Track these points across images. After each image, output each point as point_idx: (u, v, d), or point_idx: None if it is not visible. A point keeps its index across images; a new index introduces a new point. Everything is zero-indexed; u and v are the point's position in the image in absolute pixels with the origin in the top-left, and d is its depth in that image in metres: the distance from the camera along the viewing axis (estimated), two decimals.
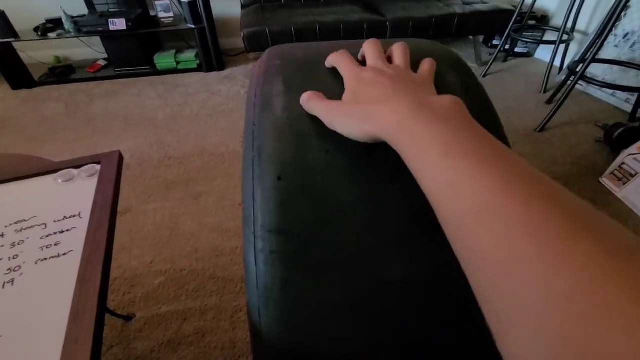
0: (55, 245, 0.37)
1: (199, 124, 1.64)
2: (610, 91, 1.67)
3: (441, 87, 0.31)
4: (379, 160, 0.25)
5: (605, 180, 1.22)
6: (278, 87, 0.29)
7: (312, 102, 0.25)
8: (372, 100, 0.23)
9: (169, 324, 0.84)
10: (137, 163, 1.39)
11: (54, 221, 0.40)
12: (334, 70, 0.29)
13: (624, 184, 1.16)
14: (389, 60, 0.28)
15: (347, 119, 0.23)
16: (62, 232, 0.39)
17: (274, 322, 0.24)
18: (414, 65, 0.29)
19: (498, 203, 0.15)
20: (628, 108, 1.58)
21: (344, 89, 0.26)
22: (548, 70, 1.85)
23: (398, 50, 0.28)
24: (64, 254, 0.36)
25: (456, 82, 0.32)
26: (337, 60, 0.28)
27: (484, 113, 0.31)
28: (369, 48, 0.28)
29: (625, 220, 1.09)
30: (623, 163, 1.18)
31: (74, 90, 1.98)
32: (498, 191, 0.16)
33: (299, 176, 0.25)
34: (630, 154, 1.17)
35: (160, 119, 1.69)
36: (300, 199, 0.24)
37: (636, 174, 1.13)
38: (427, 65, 0.27)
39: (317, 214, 0.24)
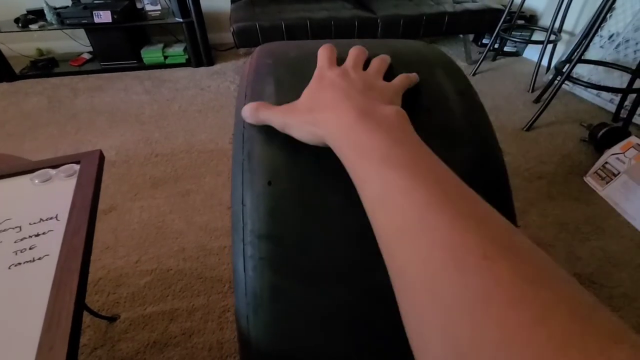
0: (30, 249, 0.36)
1: (188, 120, 1.61)
2: (595, 91, 1.70)
3: (436, 92, 0.31)
4: None
5: (589, 179, 1.25)
6: (269, 88, 0.28)
7: (262, 113, 0.25)
8: (322, 105, 0.23)
9: (155, 325, 0.83)
10: (122, 160, 1.36)
11: (29, 224, 0.38)
12: None
13: (607, 182, 1.19)
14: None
15: (298, 124, 0.23)
16: (37, 235, 0.37)
17: (262, 330, 0.24)
18: (405, 70, 0.29)
19: (426, 218, 0.15)
20: (612, 108, 1.62)
21: None
22: (536, 70, 1.87)
23: (377, 59, 0.28)
24: (39, 259, 0.35)
25: (450, 87, 0.32)
26: (319, 54, 0.28)
27: (478, 118, 0.31)
28: (351, 53, 0.28)
29: (607, 219, 1.12)
30: (606, 162, 1.21)
31: (57, 85, 1.92)
32: (426, 206, 0.16)
33: (289, 181, 0.24)
34: (613, 154, 1.20)
35: (147, 115, 1.65)
36: (290, 204, 0.24)
37: (618, 173, 1.16)
38: (403, 77, 0.27)
39: (307, 221, 0.24)
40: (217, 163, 1.34)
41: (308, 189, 0.24)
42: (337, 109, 0.22)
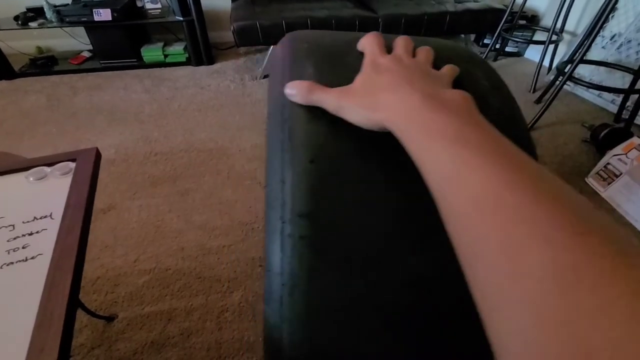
0: (23, 248, 0.35)
1: (187, 119, 1.60)
2: (597, 92, 1.69)
3: (473, 86, 0.30)
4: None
5: (591, 180, 1.24)
6: (309, 69, 0.27)
7: (315, 94, 0.25)
8: (382, 88, 0.23)
9: (153, 325, 0.82)
10: (122, 159, 1.36)
11: (23, 222, 0.38)
12: (362, 57, 0.28)
13: (609, 183, 1.18)
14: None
15: (356, 107, 0.23)
16: (31, 234, 0.37)
17: (298, 314, 0.23)
18: (442, 64, 0.28)
19: (505, 195, 0.16)
20: (614, 109, 1.61)
21: None
22: (537, 70, 1.86)
23: (423, 49, 0.28)
24: (32, 258, 0.34)
25: (487, 83, 0.32)
26: (365, 41, 0.28)
27: (513, 113, 0.31)
28: (399, 42, 0.28)
29: None
30: (608, 163, 1.20)
31: (56, 83, 1.92)
32: (505, 184, 0.16)
33: (333, 161, 0.24)
34: (615, 155, 1.19)
35: (146, 114, 1.65)
36: (333, 184, 0.23)
37: (620, 174, 1.15)
38: (450, 67, 0.27)
39: (349, 201, 0.23)
40: (216, 162, 1.34)
41: (351, 170, 0.24)
42: (400, 92, 0.22)
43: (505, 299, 0.14)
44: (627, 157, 1.16)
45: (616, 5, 1.32)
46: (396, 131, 0.21)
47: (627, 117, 1.44)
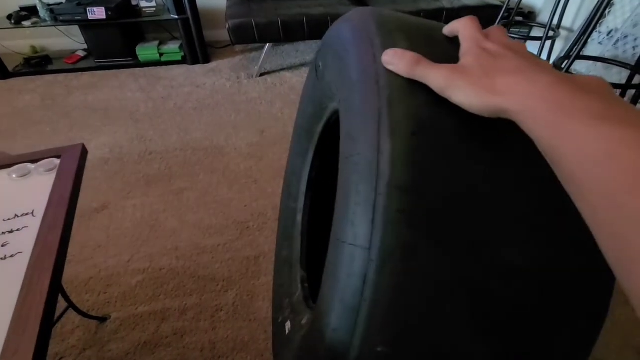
0: (3, 246, 0.34)
1: (183, 118, 1.59)
2: None
3: None
4: (513, 136, 0.24)
5: None
6: (402, 43, 0.26)
7: (422, 68, 0.23)
8: (504, 71, 0.21)
9: (146, 325, 0.82)
10: (116, 158, 1.34)
11: (4, 220, 0.37)
12: (453, 39, 0.27)
13: None
14: None
15: (470, 87, 0.21)
16: (11, 231, 0.36)
17: (386, 292, 0.22)
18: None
19: None
20: None
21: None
22: None
23: (504, 34, 0.26)
24: (12, 256, 0.33)
25: None
26: (461, 25, 0.26)
27: None
28: (497, 31, 0.26)
29: None
30: None
31: (50, 82, 1.90)
32: None
33: (436, 136, 0.23)
34: None
35: (141, 113, 1.63)
36: (436, 158, 0.22)
37: None
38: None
39: (452, 179, 0.22)
40: (212, 161, 1.33)
41: (454, 147, 0.23)
42: (528, 74, 0.20)
43: None
44: None
45: (612, 1, 1.32)
46: (520, 115, 0.19)
47: None
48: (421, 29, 0.28)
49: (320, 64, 0.43)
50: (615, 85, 1.43)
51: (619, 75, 1.56)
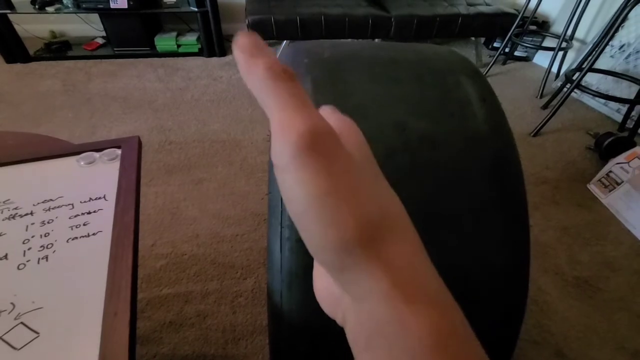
0: (84, 225, 0.39)
1: (200, 109, 1.63)
2: (603, 100, 1.72)
3: (460, 98, 0.34)
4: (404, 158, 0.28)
5: (593, 187, 1.28)
6: (306, 86, 0.31)
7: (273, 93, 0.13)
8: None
9: (171, 306, 0.87)
10: None
11: (81, 202, 0.42)
12: (361, 73, 0.31)
13: (610, 191, 1.22)
14: None
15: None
16: (89, 212, 0.40)
17: (295, 304, 0.27)
18: (432, 77, 0.31)
19: None
20: (619, 118, 1.64)
21: (373, 98, 0.28)
22: (545, 76, 1.89)
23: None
24: (94, 234, 0.38)
25: (474, 93, 0.35)
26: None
27: (498, 123, 0.34)
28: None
29: (608, 225, 1.15)
30: (610, 171, 1.23)
31: (71, 68, 1.94)
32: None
33: None
34: (617, 163, 1.22)
35: (160, 103, 1.67)
36: None
37: (622, 182, 1.19)
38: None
39: None
40: (229, 153, 1.37)
41: None
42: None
43: None
44: (629, 165, 1.19)
45: (627, 15, 1.35)
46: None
47: (631, 126, 1.47)
48: (332, 69, 0.32)
49: None
50: (624, 100, 1.47)
51: (629, 90, 1.60)
